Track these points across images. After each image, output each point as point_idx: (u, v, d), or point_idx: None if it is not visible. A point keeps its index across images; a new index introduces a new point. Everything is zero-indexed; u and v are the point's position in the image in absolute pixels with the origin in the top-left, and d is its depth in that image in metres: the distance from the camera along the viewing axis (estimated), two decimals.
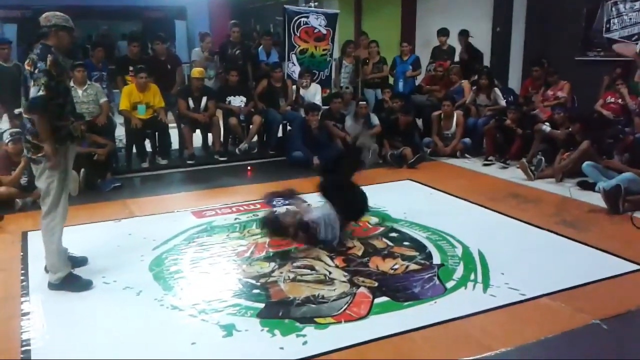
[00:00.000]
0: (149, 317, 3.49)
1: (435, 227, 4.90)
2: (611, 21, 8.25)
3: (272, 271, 4.09)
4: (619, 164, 5.85)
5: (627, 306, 3.46)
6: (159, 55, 7.94)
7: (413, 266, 4.15)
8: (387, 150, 7.37)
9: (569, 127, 6.60)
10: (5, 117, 6.88)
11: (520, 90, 8.59)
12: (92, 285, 3.87)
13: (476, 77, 8.17)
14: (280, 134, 8.18)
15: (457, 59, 9.04)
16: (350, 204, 4.63)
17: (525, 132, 7.13)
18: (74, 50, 10.89)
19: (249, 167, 7.28)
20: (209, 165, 7.49)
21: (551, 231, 4.81)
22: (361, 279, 3.93)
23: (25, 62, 3.72)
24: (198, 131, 7.85)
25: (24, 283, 3.96)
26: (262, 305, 3.58)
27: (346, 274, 4.02)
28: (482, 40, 10.05)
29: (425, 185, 6.36)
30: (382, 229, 4.96)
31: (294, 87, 8.25)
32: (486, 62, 9.31)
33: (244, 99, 7.87)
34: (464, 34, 9.02)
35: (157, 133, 7.47)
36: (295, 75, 8.32)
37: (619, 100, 7.07)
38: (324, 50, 8.61)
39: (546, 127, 6.88)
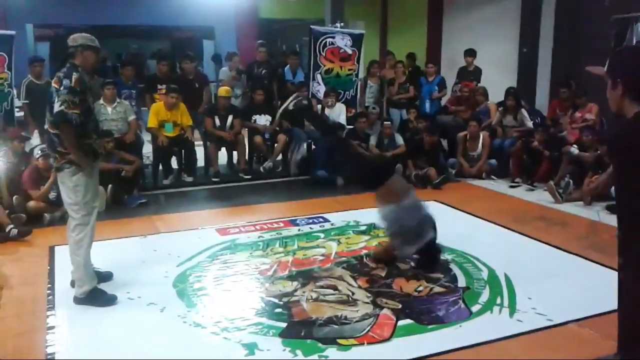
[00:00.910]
0: (172, 334, 3.49)
1: (460, 249, 4.84)
2: None
3: (295, 290, 4.08)
4: None
5: None
6: (187, 74, 8.06)
7: (437, 289, 4.10)
8: (411, 170, 7.33)
9: (598, 150, 6.50)
10: (36, 132, 7.04)
11: (548, 111, 8.50)
12: (117, 300, 3.90)
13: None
14: (305, 153, 8.21)
15: None
16: None
17: (553, 154, 7.03)
18: (104, 68, 11.17)
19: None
20: (233, 183, 7.53)
21: (579, 255, 4.72)
22: (384, 300, 3.89)
23: (53, 80, 3.84)
24: (223, 149, 7.92)
25: (50, 297, 4.01)
26: (284, 325, 3.56)
27: (369, 295, 3.98)
28: (508, 61, 10.02)
29: (450, 206, 6.30)
30: None
31: (319, 106, 8.29)
32: (513, 82, 9.24)
33: (269, 118, 7.94)
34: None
35: (183, 150, 7.56)
36: (320, 95, 8.36)
37: None
38: (349, 70, 8.65)
39: (574, 150, 6.78)
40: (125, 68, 8.14)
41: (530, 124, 7.77)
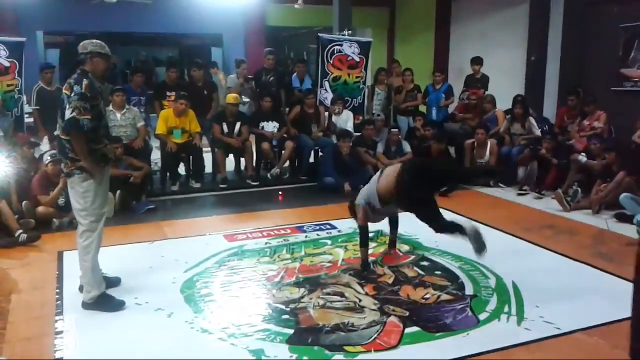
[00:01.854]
0: (179, 340, 3.50)
1: (467, 256, 4.82)
2: None
3: (302, 297, 4.08)
4: None
5: None
6: (196, 81, 8.11)
7: (445, 296, 4.09)
8: None
9: (606, 158, 6.48)
10: (46, 138, 7.09)
11: (556, 119, 8.48)
12: (125, 305, 3.92)
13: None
14: (311, 159, 8.23)
15: None
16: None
17: (561, 162, 7.02)
18: (114, 75, 11.25)
19: (279, 192, 7.33)
20: (241, 190, 7.55)
21: (587, 264, 4.70)
22: (392, 307, 3.88)
23: (64, 87, 3.87)
24: (231, 156, 7.95)
25: (59, 302, 4.03)
26: (291, 331, 3.56)
27: (376, 302, 3.98)
28: (516, 69, 10.01)
29: (458, 214, 6.26)
30: (413, 257, 4.92)
31: (326, 113, 8.32)
32: (520, 90, 9.23)
33: (277, 125, 7.96)
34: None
35: (191, 157, 7.59)
36: (328, 102, 8.38)
37: None
38: (356, 77, 8.67)
39: (582, 158, 6.76)
40: (134, 75, 8.21)
41: (538, 132, 7.75)
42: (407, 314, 3.79)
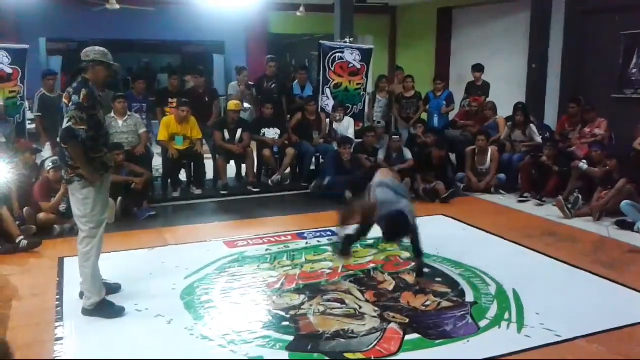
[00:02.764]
0: (179, 346, 3.50)
1: (468, 264, 4.83)
2: None
3: (302, 304, 4.08)
4: None
5: None
6: (198, 88, 8.14)
7: (445, 303, 4.09)
8: (419, 184, 7.33)
9: (607, 165, 6.48)
10: (48, 145, 7.11)
11: (557, 126, 8.49)
12: (125, 312, 3.92)
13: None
14: (312, 166, 8.24)
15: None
16: None
17: (562, 169, 7.02)
18: (116, 82, 11.27)
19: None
20: (242, 196, 7.55)
21: (588, 271, 4.69)
22: (392, 314, 3.88)
23: (64, 95, 3.88)
24: (232, 162, 7.96)
25: (59, 308, 4.03)
26: (291, 338, 3.56)
27: (377, 309, 3.98)
28: (517, 76, 10.03)
29: (459, 220, 6.29)
30: (413, 264, 4.90)
31: (328, 120, 8.33)
32: (521, 98, 9.25)
33: (278, 131, 7.98)
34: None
35: (192, 163, 7.61)
36: (329, 109, 8.40)
37: None
38: (358, 84, 8.69)
39: (583, 165, 6.76)
40: (136, 82, 8.25)
41: (539, 139, 7.76)
42: (408, 321, 3.78)
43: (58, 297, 4.23)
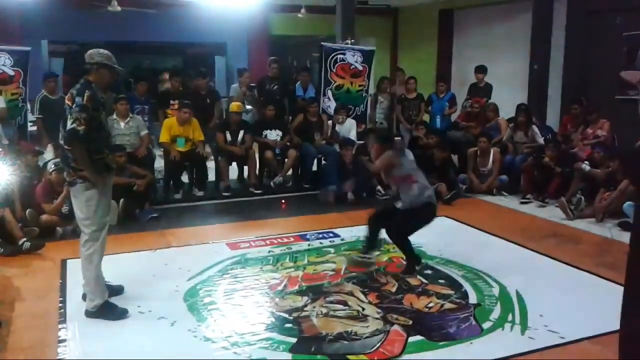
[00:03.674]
0: (182, 348, 3.50)
1: (471, 265, 4.82)
2: None
3: (305, 305, 4.07)
4: None
5: None
6: (199, 90, 8.14)
7: (448, 305, 4.08)
8: None
9: (609, 166, 6.47)
10: (50, 147, 7.11)
11: (559, 128, 8.48)
12: (128, 314, 3.92)
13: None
14: (315, 168, 8.23)
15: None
16: None
17: (564, 170, 7.01)
18: (117, 84, 11.25)
19: (282, 201, 7.32)
20: (244, 198, 7.55)
21: (591, 273, 4.68)
22: (395, 316, 3.87)
23: (67, 97, 3.88)
24: (234, 164, 7.96)
25: (62, 310, 4.03)
26: (294, 340, 3.56)
27: (380, 310, 3.97)
28: (519, 77, 10.02)
29: (461, 222, 6.28)
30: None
31: (330, 122, 8.33)
32: (523, 99, 9.24)
33: (280, 133, 7.98)
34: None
35: (194, 165, 7.60)
36: (331, 110, 8.39)
37: None
38: (359, 86, 8.69)
39: (586, 166, 6.75)
40: (138, 84, 8.25)
41: (541, 140, 7.74)
42: (411, 322, 3.78)
43: (61, 299, 4.23)
